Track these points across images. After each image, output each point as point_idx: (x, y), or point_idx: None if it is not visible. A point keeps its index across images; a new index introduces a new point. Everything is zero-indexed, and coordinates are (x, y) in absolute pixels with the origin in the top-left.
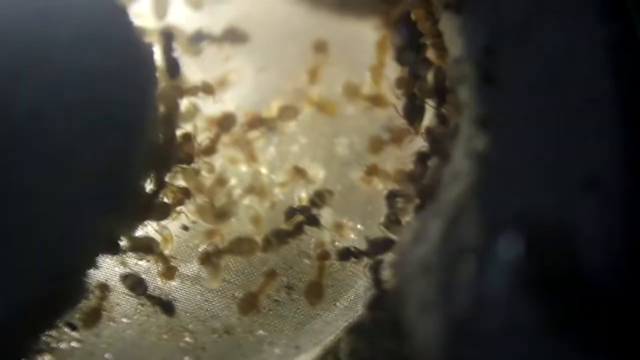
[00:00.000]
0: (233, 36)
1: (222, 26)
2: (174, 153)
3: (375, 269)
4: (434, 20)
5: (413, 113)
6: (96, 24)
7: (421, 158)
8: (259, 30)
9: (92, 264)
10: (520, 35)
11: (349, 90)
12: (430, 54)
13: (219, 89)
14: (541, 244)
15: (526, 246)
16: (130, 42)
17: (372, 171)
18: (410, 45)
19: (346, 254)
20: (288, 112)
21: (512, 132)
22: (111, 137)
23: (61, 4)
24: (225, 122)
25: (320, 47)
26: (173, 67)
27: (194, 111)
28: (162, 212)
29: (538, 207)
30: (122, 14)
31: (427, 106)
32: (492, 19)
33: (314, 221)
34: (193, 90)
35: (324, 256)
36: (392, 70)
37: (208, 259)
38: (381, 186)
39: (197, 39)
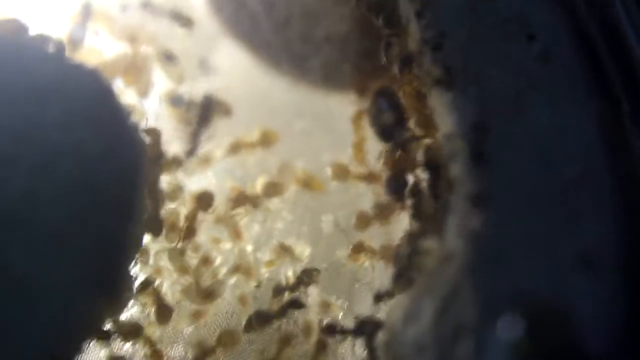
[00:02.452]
0: (215, 106)
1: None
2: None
3: (369, 348)
4: (422, 97)
5: (399, 188)
6: (86, 103)
7: (410, 236)
8: (242, 104)
9: (79, 349)
10: (511, 111)
11: (337, 170)
12: (416, 129)
13: (203, 166)
14: (539, 323)
15: (524, 326)
16: (118, 121)
17: (359, 248)
18: (393, 120)
19: (332, 330)
20: (273, 188)
21: (506, 209)
22: (102, 218)
23: (52, 86)
24: (203, 201)
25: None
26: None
27: (178, 189)
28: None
29: (534, 285)
30: (110, 94)
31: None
32: (483, 95)
33: (297, 305)
34: (174, 166)
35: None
36: (376, 144)
37: None
38: (368, 263)
39: (178, 103)
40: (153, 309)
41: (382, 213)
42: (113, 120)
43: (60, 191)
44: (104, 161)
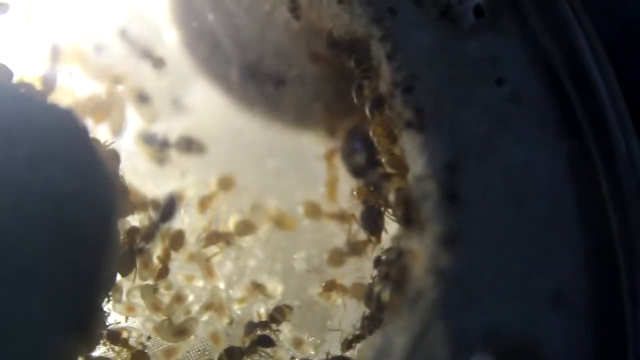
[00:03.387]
0: (189, 145)
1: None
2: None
3: None
4: (393, 139)
5: (373, 223)
6: (57, 142)
7: (382, 276)
8: (215, 143)
9: None
10: (482, 151)
11: (309, 208)
12: (388, 169)
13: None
14: None
15: None
16: (92, 160)
17: (331, 286)
18: (365, 159)
19: None
20: (245, 227)
21: (477, 248)
22: (74, 255)
23: (22, 123)
24: (175, 241)
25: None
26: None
27: (152, 227)
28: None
29: (505, 323)
30: (83, 133)
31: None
32: (454, 136)
33: (267, 342)
34: (145, 207)
35: None
36: (347, 184)
37: None
38: (340, 301)
39: (151, 141)
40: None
41: (356, 249)
42: (86, 159)
43: (30, 228)
44: (76, 199)
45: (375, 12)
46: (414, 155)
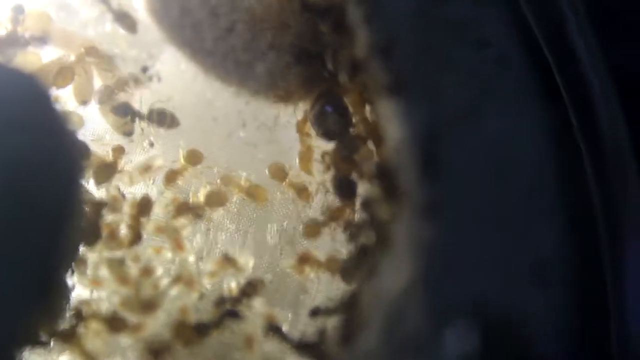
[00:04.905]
0: (162, 119)
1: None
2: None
3: None
4: (370, 104)
5: (348, 188)
6: (19, 108)
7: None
8: (183, 113)
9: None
10: (463, 119)
11: (275, 171)
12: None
13: (143, 176)
14: (491, 334)
15: (476, 337)
16: (55, 128)
17: (304, 259)
18: (338, 121)
19: (275, 330)
20: (216, 198)
21: (457, 219)
22: (36, 227)
23: None
24: (142, 207)
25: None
26: None
27: (117, 197)
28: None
29: (486, 295)
30: (47, 100)
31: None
32: (435, 103)
33: (235, 315)
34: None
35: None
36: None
37: None
38: (313, 274)
39: (122, 112)
40: None
41: (332, 218)
42: (50, 127)
43: None
44: (38, 168)
45: None
46: (392, 122)
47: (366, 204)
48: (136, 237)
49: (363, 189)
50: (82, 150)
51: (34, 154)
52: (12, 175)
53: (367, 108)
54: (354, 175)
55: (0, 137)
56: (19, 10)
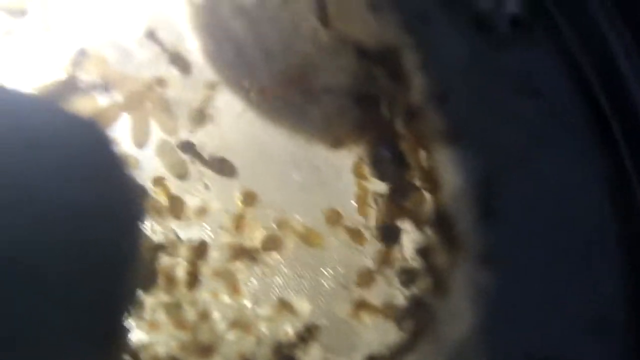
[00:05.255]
0: (221, 166)
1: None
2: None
3: None
4: (426, 151)
5: (389, 234)
6: (80, 153)
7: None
8: (238, 155)
9: None
10: (519, 167)
11: (330, 217)
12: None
13: (199, 218)
14: None
15: None
16: (114, 172)
17: (360, 305)
18: (394, 165)
19: None
20: (272, 242)
21: (514, 267)
22: (96, 269)
23: (48, 134)
24: (199, 251)
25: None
26: None
27: (174, 240)
28: None
29: (543, 347)
30: (105, 143)
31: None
32: (489, 151)
33: None
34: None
35: None
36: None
37: None
38: (369, 320)
39: (187, 150)
40: None
41: (382, 262)
42: (109, 172)
43: (52, 240)
44: (99, 212)
45: (407, 20)
46: (448, 170)
47: (422, 251)
48: (194, 280)
49: (417, 235)
50: (140, 193)
51: (95, 199)
52: (74, 217)
53: (423, 154)
54: (403, 222)
55: (62, 183)
56: (82, 54)
